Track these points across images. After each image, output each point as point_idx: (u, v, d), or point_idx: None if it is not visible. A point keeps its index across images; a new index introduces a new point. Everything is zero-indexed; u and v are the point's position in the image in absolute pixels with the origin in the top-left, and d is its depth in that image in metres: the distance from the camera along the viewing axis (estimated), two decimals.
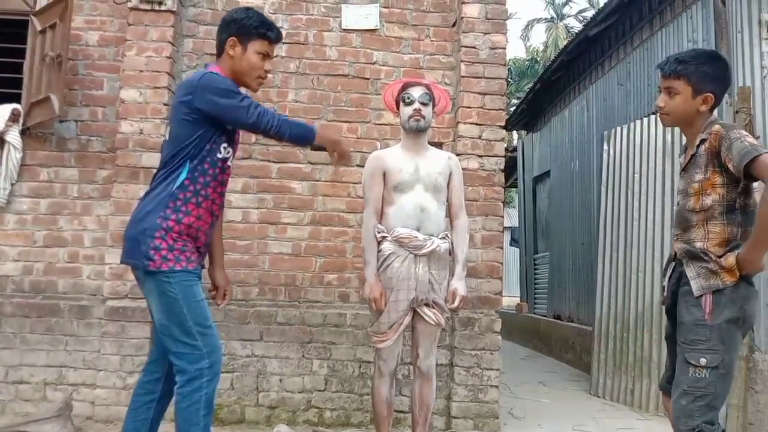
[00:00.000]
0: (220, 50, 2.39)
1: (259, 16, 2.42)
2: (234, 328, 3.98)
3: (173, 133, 2.32)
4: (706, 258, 2.16)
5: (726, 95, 4.40)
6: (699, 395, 2.07)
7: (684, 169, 2.31)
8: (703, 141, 2.20)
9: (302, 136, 2.38)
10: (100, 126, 4.19)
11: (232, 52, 2.35)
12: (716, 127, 2.18)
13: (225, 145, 2.35)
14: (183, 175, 2.25)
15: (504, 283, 4.39)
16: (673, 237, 2.35)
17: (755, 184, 2.13)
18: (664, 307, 2.42)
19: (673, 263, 2.31)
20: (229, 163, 2.42)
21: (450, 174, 3.20)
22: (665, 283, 2.36)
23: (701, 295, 2.14)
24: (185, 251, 2.26)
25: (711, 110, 2.27)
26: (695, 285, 2.16)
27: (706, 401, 2.07)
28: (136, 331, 3.88)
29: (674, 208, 2.29)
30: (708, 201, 2.17)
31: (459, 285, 3.13)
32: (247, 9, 2.46)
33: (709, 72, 2.23)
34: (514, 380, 5.87)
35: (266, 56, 2.40)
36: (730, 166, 2.09)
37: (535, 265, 9.86)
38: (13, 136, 4.05)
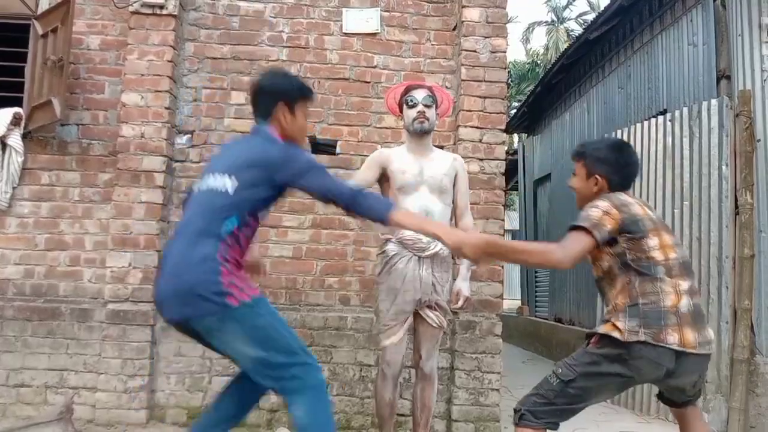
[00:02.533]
0: (267, 112, 2.37)
1: (297, 79, 2.51)
2: None
3: (236, 189, 2.21)
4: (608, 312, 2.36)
5: (726, 98, 4.45)
6: (542, 393, 2.29)
7: None
8: None
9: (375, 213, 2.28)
10: (101, 129, 4.21)
11: (284, 119, 2.37)
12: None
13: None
14: (234, 223, 2.17)
15: (505, 286, 4.39)
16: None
17: None
18: None
19: None
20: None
21: (455, 175, 3.22)
22: None
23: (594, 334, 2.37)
24: (248, 280, 2.24)
25: (615, 191, 2.38)
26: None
27: (543, 400, 2.28)
28: (137, 335, 3.88)
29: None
30: (605, 264, 2.36)
31: (464, 286, 3.14)
32: (285, 74, 2.53)
33: (601, 156, 2.42)
34: (515, 383, 5.85)
35: (307, 115, 2.50)
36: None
37: (536, 268, 9.85)
38: (15, 140, 4.06)
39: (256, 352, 2.11)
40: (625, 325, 2.17)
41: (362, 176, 3.18)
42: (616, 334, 2.17)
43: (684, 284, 2.25)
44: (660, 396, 2.46)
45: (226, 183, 2.20)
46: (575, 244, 2.25)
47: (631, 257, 2.24)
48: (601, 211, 2.25)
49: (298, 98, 2.39)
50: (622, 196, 2.33)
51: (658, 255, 2.24)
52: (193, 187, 2.45)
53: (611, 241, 2.25)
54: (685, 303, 2.21)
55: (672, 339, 2.15)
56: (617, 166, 2.41)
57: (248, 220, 2.22)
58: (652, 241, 2.24)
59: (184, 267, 2.12)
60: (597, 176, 2.41)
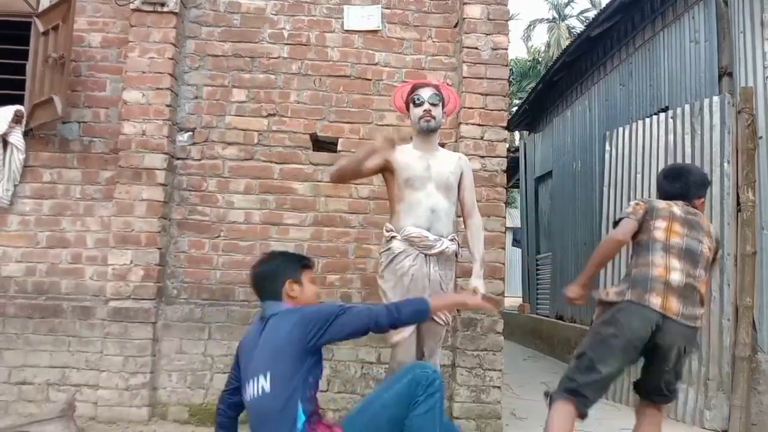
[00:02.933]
0: (276, 294, 2.39)
1: (294, 254, 2.63)
2: (237, 329, 3.98)
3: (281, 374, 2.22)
4: None
5: (728, 95, 4.44)
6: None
7: None
8: None
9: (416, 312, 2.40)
10: (102, 127, 4.21)
11: (294, 294, 2.40)
12: None
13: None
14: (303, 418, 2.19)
15: (506, 283, 4.39)
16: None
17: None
18: None
19: None
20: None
21: (461, 174, 3.22)
22: None
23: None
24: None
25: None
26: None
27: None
28: (139, 332, 3.89)
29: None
30: None
31: (479, 282, 3.14)
32: (280, 253, 2.61)
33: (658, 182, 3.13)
34: (516, 381, 5.86)
35: (314, 280, 2.53)
36: None
37: (537, 265, 9.85)
38: (16, 138, 4.07)
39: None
40: (617, 288, 2.73)
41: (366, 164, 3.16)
42: (609, 297, 2.70)
43: (677, 264, 2.70)
44: (635, 385, 2.90)
45: (266, 381, 2.22)
46: (622, 226, 2.85)
47: (639, 238, 2.80)
48: (633, 203, 2.94)
49: (300, 270, 2.44)
50: (653, 199, 3.00)
51: (659, 235, 2.75)
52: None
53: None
54: (675, 278, 2.66)
55: (655, 301, 2.61)
56: (658, 186, 3.10)
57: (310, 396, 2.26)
58: (659, 223, 2.77)
59: None
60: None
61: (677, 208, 2.85)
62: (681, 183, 2.97)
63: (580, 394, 2.60)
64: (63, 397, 3.78)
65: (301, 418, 2.14)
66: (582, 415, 2.60)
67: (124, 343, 3.88)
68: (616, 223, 2.90)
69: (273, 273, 2.41)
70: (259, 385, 2.21)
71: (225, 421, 2.46)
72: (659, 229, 2.75)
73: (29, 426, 3.47)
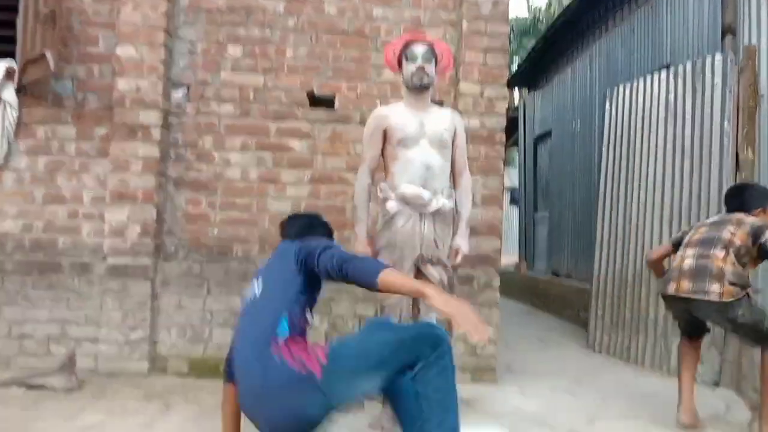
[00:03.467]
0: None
1: (329, 224, 2.69)
2: (235, 284, 4.02)
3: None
4: None
5: (731, 53, 4.39)
6: None
7: None
8: None
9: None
10: (96, 83, 4.15)
11: None
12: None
13: None
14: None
15: (503, 241, 4.41)
16: None
17: None
18: None
19: None
20: None
21: (454, 131, 3.19)
22: None
23: None
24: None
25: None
26: None
27: None
28: (138, 288, 3.92)
29: None
30: None
31: (462, 243, 3.15)
32: (321, 218, 2.70)
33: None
34: (512, 336, 5.95)
35: None
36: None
37: (534, 224, 9.89)
38: (9, 94, 4.01)
39: (374, 372, 2.09)
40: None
41: (373, 152, 3.13)
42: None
43: (690, 252, 3.19)
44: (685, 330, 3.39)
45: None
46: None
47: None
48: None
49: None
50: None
51: (685, 240, 3.30)
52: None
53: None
54: (687, 263, 3.16)
55: (670, 288, 3.19)
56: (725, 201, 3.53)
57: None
58: (691, 232, 3.35)
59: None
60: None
61: (715, 216, 3.40)
62: (740, 198, 3.36)
63: None
64: (63, 351, 3.83)
65: (284, 329, 2.14)
66: None
67: (123, 299, 3.91)
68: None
69: (314, 229, 2.54)
70: (253, 290, 2.30)
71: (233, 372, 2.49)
72: (687, 235, 3.34)
73: (31, 379, 3.53)
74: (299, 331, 2.22)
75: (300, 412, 2.02)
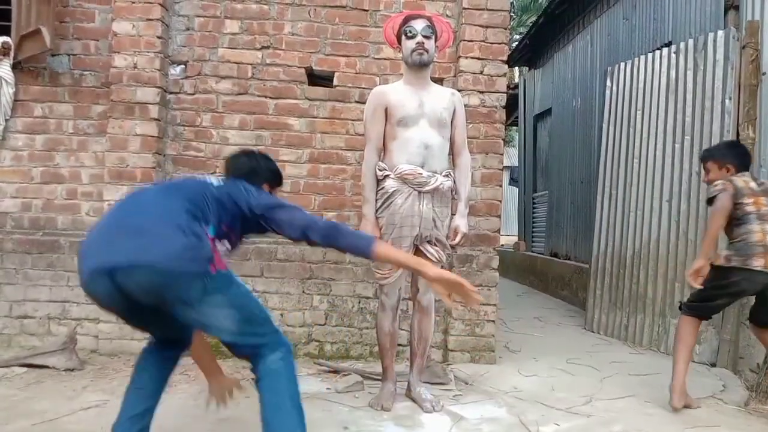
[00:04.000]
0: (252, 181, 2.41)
1: (278, 169, 2.56)
2: (235, 265, 3.99)
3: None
4: None
5: (734, 29, 4.34)
6: None
7: None
8: None
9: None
10: (93, 60, 4.10)
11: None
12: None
13: None
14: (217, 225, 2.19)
15: (502, 221, 4.40)
16: None
17: None
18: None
19: None
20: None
21: (453, 110, 3.16)
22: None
23: None
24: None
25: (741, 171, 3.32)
26: None
27: None
28: None
29: None
30: None
31: (461, 222, 3.14)
32: (269, 160, 2.54)
33: (724, 152, 3.43)
34: (510, 316, 5.98)
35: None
36: None
37: (533, 203, 9.88)
38: (5, 71, 3.97)
39: (232, 319, 2.02)
40: (724, 254, 3.17)
41: (377, 131, 3.09)
42: (719, 262, 3.16)
43: None
44: (751, 317, 3.41)
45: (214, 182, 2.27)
46: (721, 200, 3.17)
47: (732, 213, 3.17)
48: (721, 183, 3.23)
49: (276, 187, 2.53)
50: (732, 178, 3.26)
51: (750, 209, 3.17)
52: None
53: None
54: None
55: (757, 263, 3.09)
56: (738, 156, 3.39)
57: (224, 230, 2.21)
58: (746, 200, 3.19)
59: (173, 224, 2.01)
60: (728, 165, 3.33)
61: (752, 183, 3.28)
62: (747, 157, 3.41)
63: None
64: (64, 331, 3.84)
65: (212, 229, 2.13)
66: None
67: None
68: (710, 201, 3.24)
69: (257, 170, 2.46)
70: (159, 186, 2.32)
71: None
72: (748, 204, 3.19)
73: (32, 358, 3.54)
74: (220, 240, 2.20)
75: (179, 277, 1.89)
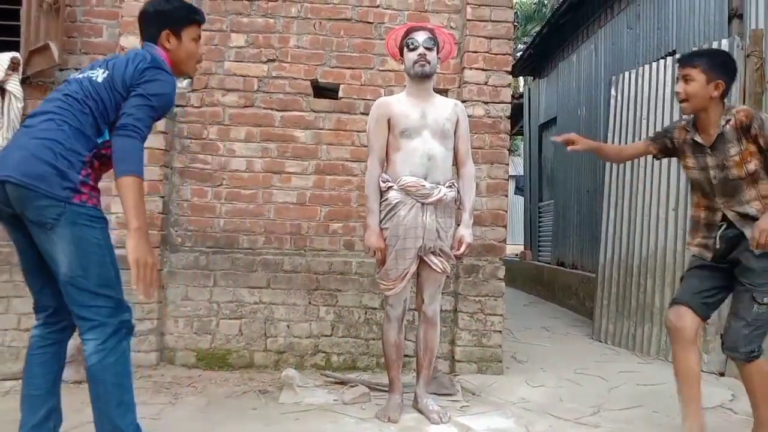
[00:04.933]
0: (153, 39, 2.32)
1: (187, 4, 2.43)
2: (241, 276, 4.03)
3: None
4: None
5: (738, 38, 4.35)
6: (758, 326, 2.60)
7: (712, 147, 2.68)
8: (728, 121, 2.62)
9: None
10: None
11: (169, 45, 2.33)
12: (744, 107, 2.67)
13: None
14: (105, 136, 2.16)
15: (508, 231, 4.40)
16: (720, 205, 2.71)
17: None
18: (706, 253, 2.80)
19: (724, 224, 2.71)
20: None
21: (457, 121, 3.17)
22: (715, 237, 2.74)
23: None
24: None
25: (722, 98, 2.66)
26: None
27: (763, 330, 2.63)
28: None
29: (713, 182, 2.71)
30: (751, 167, 2.61)
31: (466, 232, 3.14)
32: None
33: (721, 63, 2.66)
34: (517, 326, 5.96)
35: (198, 39, 2.40)
36: (761, 141, 2.56)
37: (539, 213, 9.87)
38: (14, 86, 4.01)
39: (72, 266, 2.03)
40: None
41: (380, 142, 3.10)
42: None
43: None
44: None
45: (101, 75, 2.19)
46: None
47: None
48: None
49: (185, 23, 2.35)
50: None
51: None
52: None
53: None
54: None
55: None
56: (733, 72, 2.69)
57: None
58: None
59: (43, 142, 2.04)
60: (719, 81, 2.61)
61: None
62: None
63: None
64: (72, 343, 3.82)
65: (104, 137, 2.12)
66: None
67: (130, 290, 3.91)
68: None
69: (156, 15, 2.33)
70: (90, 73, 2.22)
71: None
72: None
73: None
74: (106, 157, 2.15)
75: (36, 195, 1.97)
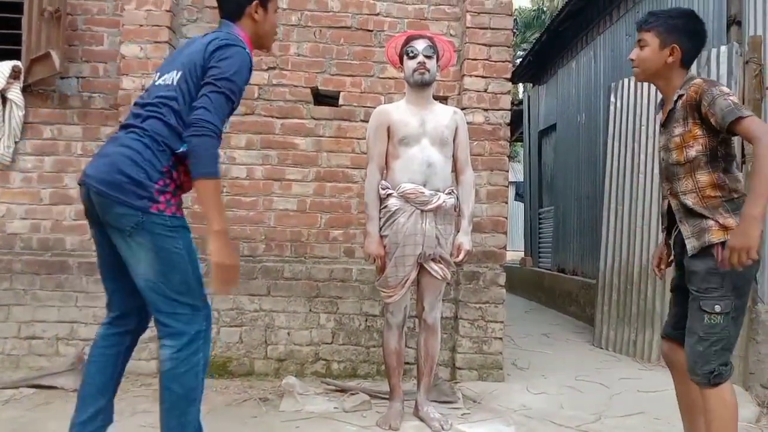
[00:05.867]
0: (239, 14, 2.29)
1: None
2: (242, 283, 4.03)
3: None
4: (699, 215, 2.24)
5: (736, 44, 4.36)
6: (714, 340, 2.17)
7: (663, 125, 2.38)
8: (680, 96, 2.28)
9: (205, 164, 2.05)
10: (101, 82, 4.16)
11: (257, 16, 2.30)
12: (697, 81, 2.25)
13: None
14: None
15: (508, 237, 4.41)
16: (663, 192, 2.43)
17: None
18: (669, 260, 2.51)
19: (676, 227, 2.37)
20: None
21: (456, 128, 3.18)
22: (665, 236, 2.48)
23: (711, 245, 2.18)
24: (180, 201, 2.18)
25: (683, 66, 2.34)
26: (689, 245, 2.25)
27: (721, 345, 2.18)
28: None
29: (662, 165, 2.43)
30: (692, 152, 2.25)
31: (465, 239, 3.14)
32: None
33: (678, 25, 2.31)
34: (518, 332, 5.95)
35: (277, 11, 2.41)
36: (712, 120, 2.17)
37: (539, 219, 9.87)
38: (15, 94, 4.03)
39: (151, 272, 2.06)
40: (734, 220, 2.15)
41: (379, 150, 3.12)
42: (714, 238, 2.18)
43: None
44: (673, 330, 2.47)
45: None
46: (765, 126, 2.13)
47: (722, 152, 2.24)
48: (732, 96, 2.17)
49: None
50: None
51: (734, 152, 2.30)
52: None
53: (717, 130, 2.19)
54: None
55: None
56: (694, 37, 2.34)
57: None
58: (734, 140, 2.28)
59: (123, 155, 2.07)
60: (674, 46, 2.30)
61: None
62: (705, 30, 2.40)
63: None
64: (72, 351, 3.84)
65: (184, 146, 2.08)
66: None
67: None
68: (735, 123, 2.11)
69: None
70: (166, 78, 2.20)
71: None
72: (733, 146, 2.32)
73: (40, 379, 3.55)
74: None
75: (114, 202, 2.01)
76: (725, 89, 2.19)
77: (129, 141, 2.09)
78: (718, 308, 2.16)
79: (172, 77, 2.16)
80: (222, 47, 2.12)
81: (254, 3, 2.28)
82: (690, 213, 2.27)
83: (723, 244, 2.15)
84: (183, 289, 2.09)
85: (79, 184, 2.13)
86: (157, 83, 2.22)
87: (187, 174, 2.13)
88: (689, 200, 2.26)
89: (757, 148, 2.05)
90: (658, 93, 2.47)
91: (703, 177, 2.24)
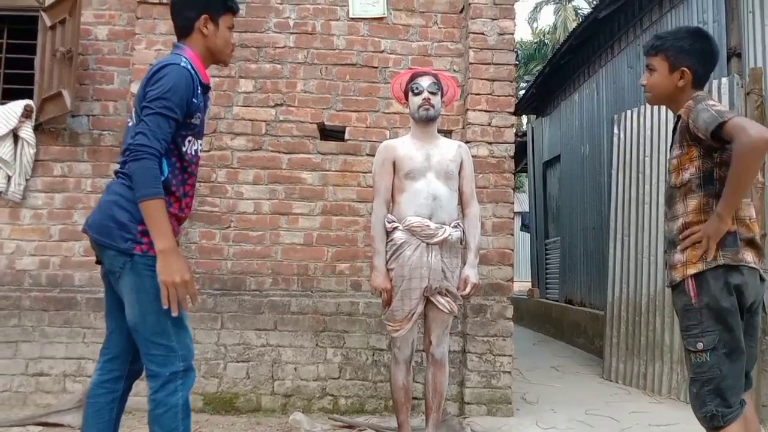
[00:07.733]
0: (188, 30, 2.29)
1: None
2: (248, 318, 4.03)
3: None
4: (675, 245, 2.20)
5: (737, 76, 4.41)
6: (705, 380, 2.07)
7: (670, 148, 2.33)
8: (679, 117, 2.23)
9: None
10: (111, 120, 4.23)
11: (206, 31, 2.29)
12: (689, 102, 2.19)
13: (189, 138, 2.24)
14: (165, 171, 2.14)
15: (515, 268, 4.40)
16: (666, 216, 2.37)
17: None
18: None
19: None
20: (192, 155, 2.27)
21: (461, 162, 3.22)
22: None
23: (682, 280, 2.14)
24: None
25: (695, 87, 2.27)
26: (667, 279, 2.21)
27: (714, 384, 2.05)
28: None
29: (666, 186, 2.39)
30: (686, 175, 2.18)
31: (471, 272, 3.15)
32: None
33: (686, 47, 2.26)
34: (526, 365, 5.89)
35: (232, 28, 2.40)
36: (701, 137, 2.10)
37: (546, 250, 9.85)
38: (27, 132, 4.10)
39: (134, 314, 2.08)
40: (688, 257, 2.10)
41: (385, 184, 3.16)
42: (692, 269, 2.09)
43: (751, 212, 2.19)
44: None
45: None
46: (755, 124, 2.05)
47: (718, 175, 2.13)
48: (719, 105, 2.13)
49: (222, 10, 2.31)
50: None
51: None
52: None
53: (712, 150, 2.11)
54: (757, 231, 2.19)
55: (749, 258, 2.12)
56: (705, 58, 2.28)
57: (173, 160, 2.16)
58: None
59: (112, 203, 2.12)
60: (684, 69, 2.25)
61: None
62: (717, 49, 2.34)
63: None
64: (80, 388, 3.83)
65: (164, 170, 2.10)
66: None
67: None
68: (720, 127, 2.02)
69: (191, 0, 2.28)
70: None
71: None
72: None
73: (47, 417, 3.54)
74: (180, 172, 2.19)
75: (105, 247, 2.10)
76: (711, 102, 2.14)
77: (116, 187, 2.15)
78: (700, 345, 2.06)
79: (133, 117, 2.22)
80: (155, 72, 2.15)
81: (203, 17, 2.27)
82: (670, 242, 2.23)
83: (694, 276, 2.09)
84: (158, 329, 2.09)
85: (84, 232, 2.23)
86: (129, 126, 2.26)
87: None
88: (675, 226, 2.21)
89: (735, 146, 1.99)
90: (667, 120, 2.47)
91: (693, 201, 2.17)
